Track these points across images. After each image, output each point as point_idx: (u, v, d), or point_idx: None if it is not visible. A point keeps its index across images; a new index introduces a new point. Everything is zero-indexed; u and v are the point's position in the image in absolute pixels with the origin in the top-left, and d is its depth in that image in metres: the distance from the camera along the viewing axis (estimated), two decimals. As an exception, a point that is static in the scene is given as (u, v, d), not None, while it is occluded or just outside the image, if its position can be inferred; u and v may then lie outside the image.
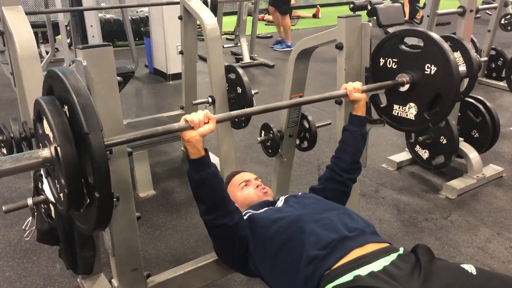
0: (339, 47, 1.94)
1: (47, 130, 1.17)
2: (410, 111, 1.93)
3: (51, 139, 1.15)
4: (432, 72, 1.80)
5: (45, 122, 1.18)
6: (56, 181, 1.24)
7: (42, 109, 1.17)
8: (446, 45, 1.78)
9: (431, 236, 2.59)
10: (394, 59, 1.93)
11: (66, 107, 1.16)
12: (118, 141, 1.29)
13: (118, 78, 1.46)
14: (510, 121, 4.26)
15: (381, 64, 1.98)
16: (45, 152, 1.18)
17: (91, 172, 1.14)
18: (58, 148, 1.12)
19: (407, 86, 1.88)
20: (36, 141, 1.33)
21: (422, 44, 1.85)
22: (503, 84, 4.98)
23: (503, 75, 4.88)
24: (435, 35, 1.81)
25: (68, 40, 5.77)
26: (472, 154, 3.12)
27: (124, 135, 1.32)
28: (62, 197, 1.21)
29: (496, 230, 2.64)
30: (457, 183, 3.04)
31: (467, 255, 2.43)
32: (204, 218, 1.56)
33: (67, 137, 1.12)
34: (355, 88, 1.79)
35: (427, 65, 1.81)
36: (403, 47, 1.91)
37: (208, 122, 1.43)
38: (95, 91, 1.38)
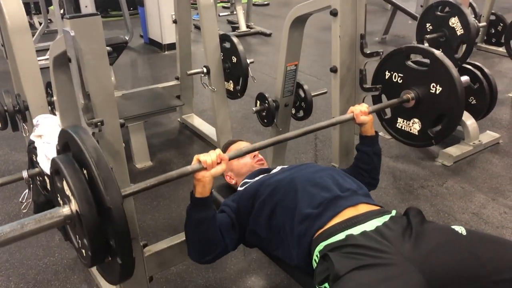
0: (334, 13, 1.91)
1: (67, 191, 1.16)
2: (414, 126, 1.92)
3: (71, 198, 1.15)
4: (437, 92, 1.78)
5: (64, 183, 1.16)
6: (77, 236, 1.24)
7: (61, 171, 1.16)
8: (453, 69, 1.74)
9: (427, 202, 2.62)
10: (399, 74, 1.91)
11: (85, 171, 1.15)
12: (133, 191, 1.33)
13: (108, 48, 1.43)
14: (508, 87, 4.23)
15: (386, 78, 1.96)
16: (66, 210, 1.17)
17: (112, 234, 1.15)
18: (80, 215, 1.12)
19: (412, 103, 1.87)
20: (54, 193, 1.31)
21: (428, 62, 1.81)
22: (502, 49, 4.92)
23: (503, 40, 4.81)
24: (440, 55, 1.77)
25: (61, 11, 5.66)
26: (469, 121, 3.11)
27: (138, 184, 1.36)
28: (84, 253, 1.22)
29: (491, 196, 2.66)
30: (454, 150, 3.05)
31: (462, 220, 2.45)
32: (196, 260, 1.55)
33: (89, 205, 1.11)
34: (362, 111, 1.76)
35: (433, 84, 1.79)
36: (409, 63, 1.88)
37: (220, 163, 1.41)
38: (84, 62, 1.35)
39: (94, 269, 2.04)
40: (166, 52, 5.50)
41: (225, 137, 2.91)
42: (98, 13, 1.36)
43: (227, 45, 2.77)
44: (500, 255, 1.27)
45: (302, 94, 2.41)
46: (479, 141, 3.13)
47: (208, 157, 1.39)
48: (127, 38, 5.54)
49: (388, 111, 2.04)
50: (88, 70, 1.37)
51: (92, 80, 1.38)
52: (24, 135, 2.31)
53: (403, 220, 1.38)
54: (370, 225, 1.34)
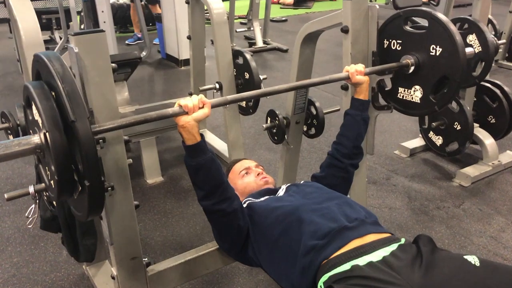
0: (345, 30, 1.87)
1: (36, 116, 1.15)
2: (416, 94, 1.86)
3: (40, 124, 1.13)
4: (437, 54, 1.74)
5: (34, 107, 1.16)
6: (46, 167, 1.22)
7: (30, 94, 1.15)
8: (451, 25, 1.70)
9: (442, 224, 2.53)
10: (398, 41, 1.86)
11: (53, 93, 1.13)
12: (108, 127, 1.26)
13: (113, 64, 1.42)
14: (530, 106, 4.11)
15: (385, 46, 1.92)
16: (36, 138, 1.16)
17: (80, 159, 1.11)
18: (47, 134, 1.10)
19: (412, 68, 1.82)
20: (27, 127, 1.31)
21: (426, 25, 1.77)
22: (524, 67, 4.82)
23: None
24: (440, 15, 1.73)
25: (82, 26, 5.78)
26: (488, 140, 3.02)
27: (114, 121, 1.29)
28: (52, 184, 1.19)
29: (510, 219, 2.56)
30: (472, 170, 2.96)
31: (479, 244, 2.36)
32: (202, 203, 1.53)
33: (55, 123, 1.09)
34: (357, 71, 1.73)
35: (432, 46, 1.75)
36: (407, 28, 1.84)
37: (203, 107, 1.39)
38: (88, 78, 1.35)
39: (99, 286, 2.02)
40: (182, 68, 5.53)
41: (236, 153, 2.88)
42: (103, 30, 1.35)
43: (240, 61, 2.75)
44: (515, 286, 1.20)
45: (314, 111, 2.37)
46: (499, 161, 3.03)
47: (190, 101, 1.37)
48: (144, 54, 5.62)
49: (388, 83, 1.98)
50: (92, 87, 1.36)
51: (96, 96, 1.38)
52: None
53: (412, 248, 1.32)
54: (376, 256, 1.27)
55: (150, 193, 2.87)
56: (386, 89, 1.98)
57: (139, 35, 6.47)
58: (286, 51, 6.18)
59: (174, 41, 5.55)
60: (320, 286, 1.27)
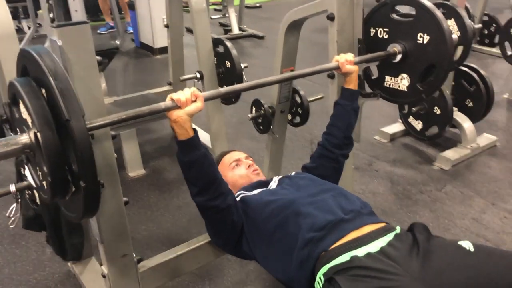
0: (331, 18, 1.86)
1: (25, 115, 1.10)
2: (403, 82, 1.87)
3: (30, 124, 1.08)
4: (425, 42, 1.74)
5: (21, 106, 1.11)
6: (37, 168, 1.17)
7: (17, 91, 1.09)
8: (439, 13, 1.72)
9: (426, 208, 2.57)
10: (385, 29, 1.86)
11: (43, 90, 1.08)
12: (101, 123, 1.22)
13: (98, 57, 1.37)
14: (503, 89, 4.21)
15: (371, 35, 1.92)
16: (24, 138, 1.11)
17: (74, 159, 1.07)
18: (38, 134, 1.05)
19: (399, 57, 1.83)
20: (12, 126, 1.25)
21: (414, 13, 1.78)
22: (495, 50, 4.91)
23: (496, 41, 4.80)
24: (427, 3, 1.73)
25: (51, 15, 5.57)
26: (466, 123, 3.08)
27: (107, 117, 1.25)
28: (45, 185, 1.15)
29: (490, 200, 2.63)
30: (451, 154, 3.01)
31: (462, 226, 2.41)
32: (195, 200, 1.50)
33: (47, 122, 1.05)
34: (347, 60, 1.72)
35: (420, 34, 1.75)
36: (394, 16, 1.84)
37: (195, 100, 1.36)
38: (73, 72, 1.29)
39: (86, 284, 1.98)
40: (158, 56, 5.42)
41: (219, 144, 2.84)
42: (87, 21, 1.30)
43: (221, 49, 2.71)
44: (509, 270, 1.22)
45: (299, 100, 2.36)
46: (477, 144, 3.10)
47: (182, 94, 1.33)
48: (118, 43, 5.48)
49: (375, 71, 1.99)
50: (77, 81, 1.30)
51: (81, 91, 1.32)
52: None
53: (408, 237, 1.33)
54: (374, 246, 1.28)
55: (133, 187, 2.82)
56: (372, 77, 1.98)
57: (111, 24, 6.31)
58: (262, 37, 6.13)
59: (148, 29, 5.43)
60: (320, 278, 1.27)
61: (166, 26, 3.20)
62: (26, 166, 1.64)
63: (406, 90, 1.86)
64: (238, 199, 1.61)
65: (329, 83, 2.00)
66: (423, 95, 1.81)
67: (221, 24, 6.70)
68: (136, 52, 5.70)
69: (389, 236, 1.32)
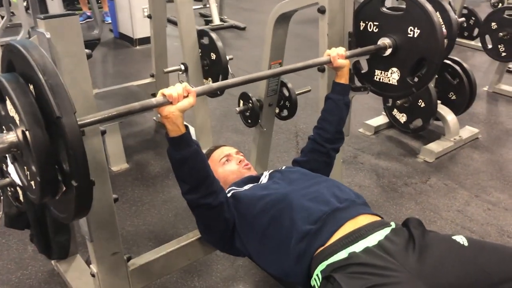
0: (322, 11, 1.83)
1: (12, 112, 1.04)
2: (393, 76, 1.87)
3: (17, 122, 1.03)
4: (415, 35, 1.74)
5: (8, 103, 1.05)
6: (25, 167, 1.12)
7: (4, 88, 1.03)
8: (429, 7, 1.71)
9: (411, 201, 2.60)
10: (375, 23, 1.86)
11: (31, 86, 1.03)
12: (92, 120, 1.17)
13: (87, 50, 1.32)
14: (483, 81, 4.27)
15: (361, 28, 1.90)
16: (11, 137, 1.06)
17: (65, 158, 1.02)
18: (27, 132, 1.00)
19: (389, 51, 1.82)
20: None
21: (404, 6, 1.77)
22: (474, 43, 4.98)
23: (475, 34, 4.87)
24: None
25: (25, 3, 5.39)
26: (450, 116, 3.12)
27: (98, 114, 1.20)
28: (33, 185, 1.10)
29: (474, 192, 2.67)
30: (435, 146, 3.05)
31: (448, 219, 2.44)
32: (186, 197, 1.47)
33: (36, 120, 1.00)
34: (339, 54, 1.71)
35: (410, 28, 1.75)
36: (384, 9, 1.83)
37: (187, 96, 1.32)
38: (61, 66, 1.24)
39: (72, 282, 1.93)
40: (137, 47, 5.31)
41: (204, 137, 2.81)
42: (76, 13, 1.24)
43: (205, 41, 2.66)
44: (504, 264, 1.24)
45: (287, 93, 2.33)
46: (460, 136, 3.14)
47: (174, 90, 1.30)
48: (97, 33, 5.35)
49: (365, 65, 1.98)
50: (66, 75, 1.25)
51: (70, 85, 1.26)
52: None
53: (404, 232, 1.33)
54: (372, 240, 1.27)
55: (117, 181, 2.76)
56: (362, 71, 1.97)
57: (89, 13, 6.15)
58: (243, 29, 6.08)
59: (127, 19, 5.31)
60: (317, 275, 1.26)
61: (149, 16, 3.13)
62: (11, 164, 1.58)
63: (396, 84, 1.86)
64: (229, 195, 1.59)
65: (319, 77, 1.98)
66: (413, 89, 1.81)
67: (202, 15, 6.61)
68: (114, 43, 5.58)
69: (386, 230, 1.32)
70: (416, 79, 1.80)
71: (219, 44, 2.60)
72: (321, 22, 1.87)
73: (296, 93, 2.35)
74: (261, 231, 1.45)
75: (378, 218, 1.40)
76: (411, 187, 2.73)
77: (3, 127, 1.13)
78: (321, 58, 1.74)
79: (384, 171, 2.91)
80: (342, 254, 1.25)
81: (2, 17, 5.64)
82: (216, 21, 6.13)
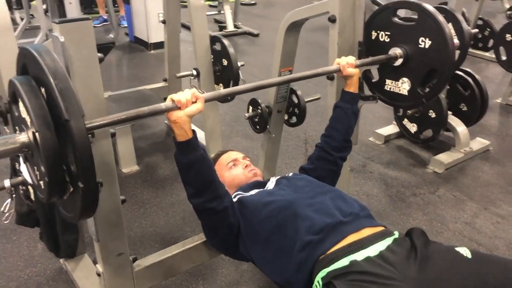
0: (332, 20, 1.85)
1: (24, 114, 1.08)
2: (403, 86, 1.87)
3: (28, 123, 1.07)
4: (427, 46, 1.74)
5: (21, 104, 1.09)
6: (35, 167, 1.16)
7: (17, 90, 1.07)
8: (441, 18, 1.72)
9: (419, 211, 2.59)
10: (386, 33, 1.86)
11: (43, 89, 1.06)
12: (100, 123, 1.20)
13: (99, 54, 1.35)
14: (496, 93, 4.25)
15: (373, 38, 1.91)
16: (23, 137, 1.09)
17: (73, 159, 1.06)
18: (37, 134, 1.03)
19: (400, 61, 1.82)
20: (12, 123, 1.23)
21: (416, 17, 1.78)
22: (489, 54, 4.96)
23: (490, 45, 4.84)
24: (429, 7, 1.73)
25: (44, 6, 5.50)
26: (460, 127, 3.10)
27: (107, 117, 1.23)
28: (42, 185, 1.13)
29: (483, 204, 2.65)
30: (445, 157, 3.03)
31: (455, 230, 2.43)
32: (192, 201, 1.49)
33: (45, 122, 1.03)
34: (348, 63, 1.72)
35: (421, 38, 1.75)
36: (396, 19, 1.84)
37: (196, 102, 1.35)
38: (74, 69, 1.27)
39: (79, 281, 1.96)
40: (152, 51, 5.38)
41: (214, 142, 2.84)
42: (90, 17, 1.28)
43: (218, 47, 2.70)
44: (507, 279, 1.23)
45: (296, 100, 2.35)
46: (470, 148, 3.12)
47: (182, 95, 1.32)
48: (112, 36, 5.43)
49: (376, 74, 1.99)
50: (78, 78, 1.29)
51: (81, 88, 1.31)
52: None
53: (406, 242, 1.33)
54: (373, 250, 1.28)
55: (126, 183, 2.80)
56: (373, 80, 1.98)
57: (105, 17, 6.25)
58: (257, 35, 6.12)
59: (143, 24, 5.39)
60: (318, 282, 1.27)
61: (163, 22, 3.18)
62: (23, 163, 1.62)
63: (406, 94, 1.86)
64: (235, 199, 1.61)
65: (328, 85, 1.99)
66: (423, 99, 1.81)
67: (216, 21, 6.67)
68: (130, 47, 5.66)
69: (388, 241, 1.32)
70: (426, 90, 1.80)
71: (231, 50, 2.63)
72: (331, 31, 1.89)
73: (306, 100, 2.37)
74: (265, 238, 1.46)
75: (382, 229, 1.40)
76: (419, 197, 2.72)
77: (16, 127, 1.17)
78: (330, 67, 1.75)
79: (393, 180, 2.90)
80: (343, 262, 1.26)
81: (22, 19, 5.77)
82: (230, 27, 6.19)
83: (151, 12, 5.14)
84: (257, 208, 1.50)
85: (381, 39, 1.87)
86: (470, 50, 5.26)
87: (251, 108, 2.39)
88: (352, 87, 1.76)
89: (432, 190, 2.79)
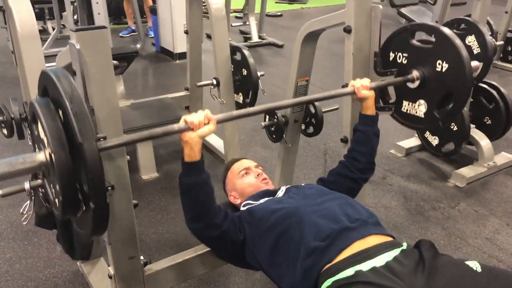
0: (347, 30, 1.86)
1: (42, 135, 1.14)
2: (420, 108, 1.85)
3: (46, 144, 1.12)
4: (444, 70, 1.71)
5: (39, 125, 1.14)
6: (51, 185, 1.21)
7: (36, 112, 1.13)
8: (458, 41, 1.68)
9: (438, 225, 2.54)
10: (404, 54, 1.84)
11: (60, 112, 1.12)
12: (113, 144, 1.24)
13: (115, 62, 1.40)
14: (524, 107, 4.13)
15: (390, 59, 1.89)
16: (41, 156, 1.14)
17: (85, 180, 1.10)
18: (52, 155, 1.09)
19: (417, 83, 1.80)
20: (32, 141, 1.29)
21: (433, 40, 1.75)
22: (518, 68, 4.85)
23: (520, 59, 4.74)
24: (447, 31, 1.70)
25: (75, 17, 5.70)
26: (484, 141, 3.03)
27: (120, 138, 1.28)
28: (57, 202, 1.18)
29: (505, 220, 2.58)
30: (467, 171, 2.97)
31: (475, 246, 2.37)
32: (189, 226, 1.54)
33: (61, 144, 1.08)
34: (363, 86, 1.70)
35: (439, 61, 1.71)
36: (414, 41, 1.81)
37: (208, 123, 1.38)
38: (89, 75, 1.32)
39: (93, 284, 2.00)
40: (177, 61, 5.48)
41: (232, 150, 2.86)
42: (106, 26, 1.33)
43: (238, 57, 2.73)
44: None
45: (313, 110, 2.35)
46: (494, 162, 3.05)
47: (195, 117, 1.36)
48: (138, 46, 5.56)
49: (392, 95, 1.97)
50: (93, 84, 1.33)
51: (97, 94, 1.35)
52: (29, 143, 2.28)
53: (414, 254, 1.31)
54: (380, 261, 1.26)
55: (145, 189, 2.85)
56: (390, 101, 1.97)
57: (133, 27, 6.41)
58: (281, 46, 6.15)
59: (169, 34, 5.50)
60: (323, 291, 1.26)
61: (186, 32, 3.24)
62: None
63: (423, 116, 1.83)
64: (244, 208, 1.63)
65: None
66: (440, 122, 1.78)
67: (241, 32, 6.75)
68: (156, 56, 5.77)
69: (395, 251, 1.31)
70: (443, 113, 1.77)
71: (250, 60, 2.66)
72: (346, 41, 1.89)
73: (323, 110, 2.37)
74: (272, 245, 1.46)
75: (390, 239, 1.39)
76: (438, 211, 2.67)
77: (36, 145, 1.22)
78: (345, 89, 1.75)
79: (413, 193, 2.86)
80: (348, 272, 1.25)
81: (54, 29, 5.97)
82: (255, 38, 6.24)
83: (177, 22, 5.24)
84: (264, 216, 1.51)
85: (399, 61, 1.85)
86: (499, 63, 5.18)
87: (267, 117, 2.41)
88: (369, 110, 1.75)
89: (452, 204, 2.74)
